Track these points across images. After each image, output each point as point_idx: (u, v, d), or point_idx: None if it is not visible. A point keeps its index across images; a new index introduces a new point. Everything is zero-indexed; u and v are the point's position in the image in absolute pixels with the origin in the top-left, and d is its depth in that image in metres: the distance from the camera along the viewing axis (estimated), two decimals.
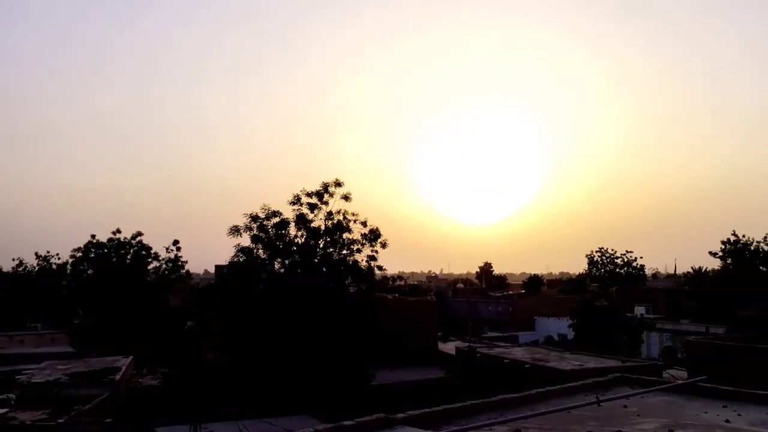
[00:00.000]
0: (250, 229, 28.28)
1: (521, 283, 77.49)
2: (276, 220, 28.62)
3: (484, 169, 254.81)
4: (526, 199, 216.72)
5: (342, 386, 24.98)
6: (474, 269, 64.41)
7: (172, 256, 41.34)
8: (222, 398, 23.14)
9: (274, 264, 29.20)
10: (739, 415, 11.60)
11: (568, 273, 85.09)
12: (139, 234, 40.92)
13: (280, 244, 28.82)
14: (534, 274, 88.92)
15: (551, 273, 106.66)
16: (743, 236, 38.60)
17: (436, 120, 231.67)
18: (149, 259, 41.01)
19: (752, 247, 37.90)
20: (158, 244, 41.69)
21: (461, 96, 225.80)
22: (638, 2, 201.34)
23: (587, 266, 54.34)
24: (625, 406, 12.42)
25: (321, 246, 29.29)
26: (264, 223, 28.50)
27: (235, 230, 28.21)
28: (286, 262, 29.17)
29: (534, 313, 52.27)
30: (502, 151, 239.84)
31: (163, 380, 26.12)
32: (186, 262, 41.81)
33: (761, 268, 36.69)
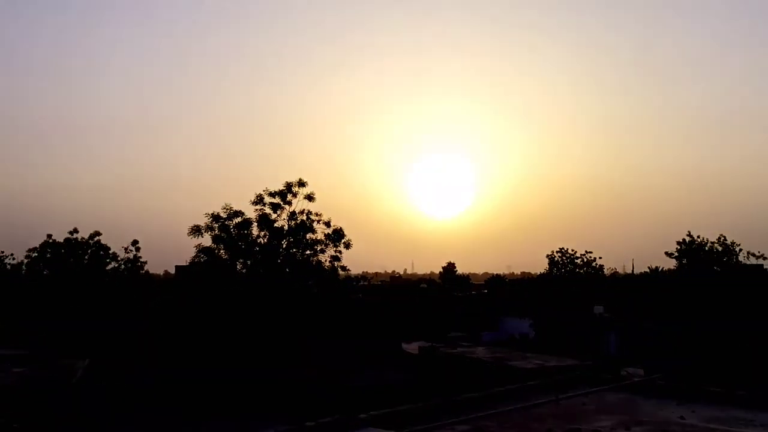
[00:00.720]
0: (212, 229, 27.95)
1: (484, 282, 78.18)
2: (238, 220, 28.36)
3: (448, 164, 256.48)
4: (488, 198, 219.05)
5: (304, 387, 24.85)
6: (437, 269, 64.66)
7: (131, 256, 40.57)
8: (179, 400, 22.79)
9: (236, 264, 28.93)
10: (693, 411, 11.92)
11: (529, 273, 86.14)
12: (97, 234, 40.04)
13: (242, 245, 28.57)
14: (496, 274, 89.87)
15: (513, 273, 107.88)
16: (698, 237, 39.62)
17: (399, 116, 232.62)
18: (108, 260, 40.18)
19: (706, 248, 38.93)
20: (117, 244, 40.85)
21: (425, 90, 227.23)
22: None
23: (548, 266, 54.85)
24: (584, 404, 12.64)
25: (284, 246, 29.14)
26: (226, 223, 28.21)
27: (196, 230, 27.84)
28: (249, 262, 28.92)
29: (497, 312, 52.90)
30: (467, 148, 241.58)
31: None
32: (146, 262, 41.10)
33: (715, 267, 37.70)
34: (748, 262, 37.53)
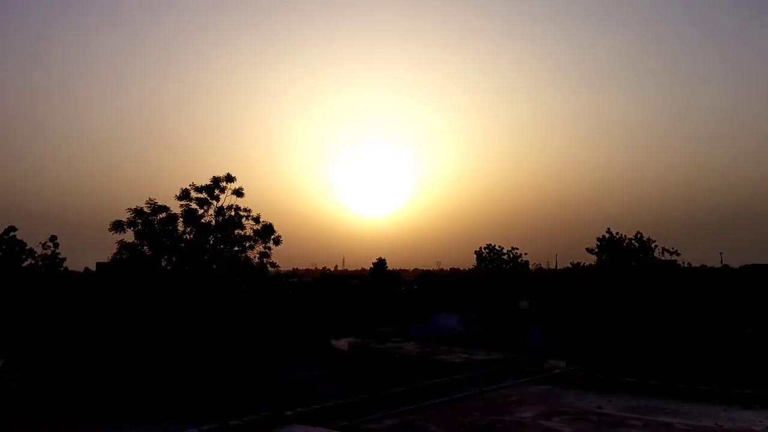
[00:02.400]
0: (135, 224, 26.95)
1: (414, 278, 78.90)
2: (163, 215, 27.48)
3: (380, 161, 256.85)
4: (420, 196, 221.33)
5: (232, 385, 24.44)
6: (369, 265, 64.74)
7: (49, 252, 38.79)
8: (93, 404, 21.98)
9: (160, 261, 28.07)
10: (609, 401, 12.40)
11: (458, 268, 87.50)
12: (13, 229, 38.08)
13: (167, 241, 27.72)
14: (426, 270, 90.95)
15: (443, 269, 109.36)
16: (617, 234, 41.28)
17: (333, 112, 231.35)
18: (24, 256, 38.30)
19: (624, 244, 40.59)
20: (34, 240, 38.97)
21: (358, 88, 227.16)
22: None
23: (476, 262, 55.83)
24: (507, 396, 12.96)
25: (211, 242, 28.47)
26: (150, 218, 27.30)
27: (118, 226, 26.77)
28: (174, 259, 28.11)
29: (427, 308, 53.52)
30: (399, 145, 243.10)
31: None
32: (64, 259, 39.40)
33: (632, 263, 39.37)
34: (663, 258, 39.37)
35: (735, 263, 58.07)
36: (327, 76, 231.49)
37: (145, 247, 27.39)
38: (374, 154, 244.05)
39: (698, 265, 50.44)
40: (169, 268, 28.20)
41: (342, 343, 36.60)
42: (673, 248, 39.55)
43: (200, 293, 26.32)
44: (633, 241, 40.48)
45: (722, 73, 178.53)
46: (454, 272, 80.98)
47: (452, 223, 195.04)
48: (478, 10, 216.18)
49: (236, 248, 28.54)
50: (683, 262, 40.59)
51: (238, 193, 28.56)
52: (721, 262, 57.24)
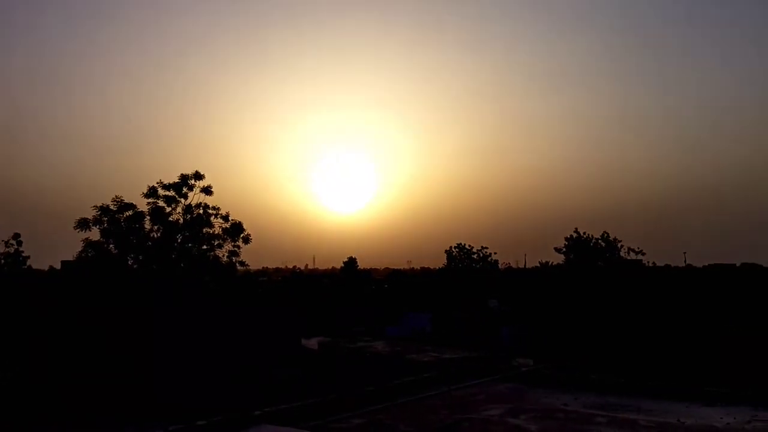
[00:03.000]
0: (101, 222, 26.50)
1: (385, 277, 79.02)
2: (129, 213, 27.05)
3: (351, 158, 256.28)
4: (390, 194, 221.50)
5: (200, 386, 24.18)
6: (339, 264, 64.63)
7: (11, 250, 37.92)
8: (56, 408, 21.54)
9: (126, 260, 27.64)
10: (576, 399, 12.58)
11: (429, 267, 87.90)
12: None
13: (133, 239, 27.31)
14: (397, 269, 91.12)
15: (413, 267, 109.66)
16: (584, 233, 41.85)
17: (299, 108, 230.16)
18: None
19: (591, 244, 41.17)
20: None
21: (328, 84, 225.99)
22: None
23: (446, 261, 56.10)
24: (475, 394, 13.05)
25: (179, 241, 28.12)
26: (116, 216, 26.85)
27: (84, 223, 26.27)
28: (140, 257, 27.71)
29: (397, 307, 53.59)
30: (370, 142, 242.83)
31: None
32: (28, 257, 38.55)
33: (599, 262, 39.96)
34: (629, 258, 40.05)
35: (698, 263, 59.35)
36: (294, 73, 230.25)
37: (111, 246, 26.95)
38: (347, 150, 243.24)
39: (663, 264, 51.45)
40: (135, 266, 27.79)
41: (312, 343, 36.50)
42: (638, 248, 40.27)
43: (168, 292, 25.97)
44: (600, 241, 41.08)
45: (686, 76, 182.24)
46: (425, 271, 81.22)
47: (422, 222, 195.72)
48: (439, 12, 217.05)
49: (205, 247, 28.24)
50: (648, 262, 41.34)
51: (207, 191, 28.26)
52: (685, 261, 58.50)
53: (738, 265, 58.20)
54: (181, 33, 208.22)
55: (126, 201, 27.12)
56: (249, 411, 10.51)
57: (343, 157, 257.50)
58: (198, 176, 28.15)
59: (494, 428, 10.21)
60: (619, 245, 40.58)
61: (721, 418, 10.80)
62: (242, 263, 28.90)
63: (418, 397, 12.51)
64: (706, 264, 57.51)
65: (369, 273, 71.21)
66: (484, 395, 12.94)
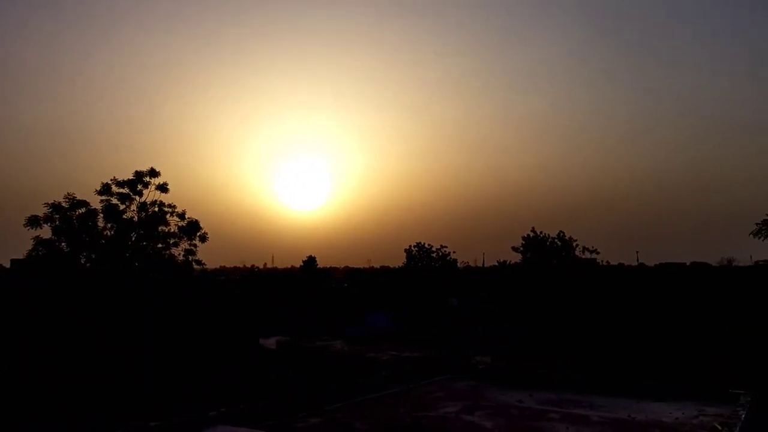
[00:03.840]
0: (52, 220, 25.80)
1: (345, 276, 78.92)
2: (82, 210, 26.41)
3: (310, 157, 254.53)
4: (350, 193, 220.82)
5: (155, 387, 23.75)
6: (298, 263, 64.25)
7: None
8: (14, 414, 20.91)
9: (79, 258, 26.98)
10: (530, 395, 12.78)
11: (388, 266, 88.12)
12: None
13: (86, 237, 26.67)
14: (357, 268, 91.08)
15: (373, 266, 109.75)
16: (541, 232, 42.55)
17: (258, 105, 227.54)
18: None
19: (548, 243, 41.89)
20: None
21: (289, 81, 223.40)
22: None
23: (406, 260, 56.32)
24: (433, 392, 13.15)
25: (133, 239, 27.58)
26: (68, 213, 26.18)
27: (34, 221, 25.55)
28: (93, 256, 27.07)
29: (357, 306, 53.54)
30: (330, 140, 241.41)
31: None
32: None
33: (554, 261, 40.69)
34: (584, 257, 40.88)
35: (650, 261, 60.92)
36: (253, 68, 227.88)
37: (62, 244, 26.29)
38: (306, 149, 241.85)
39: (616, 263, 52.70)
40: (88, 265, 27.15)
41: (270, 342, 36.24)
42: (593, 247, 41.15)
43: (121, 292, 25.44)
44: (556, 240, 41.82)
45: (641, 78, 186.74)
46: (385, 270, 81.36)
47: (383, 221, 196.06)
48: (395, 11, 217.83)
49: (160, 245, 27.76)
50: (602, 261, 42.30)
51: (163, 188, 27.78)
52: (638, 260, 60.00)
53: (688, 264, 59.97)
54: (138, 28, 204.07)
55: (78, 198, 26.49)
56: (205, 411, 10.37)
57: (303, 155, 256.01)
58: (153, 173, 27.65)
59: (450, 425, 10.30)
60: (574, 244, 41.42)
61: (670, 413, 11.11)
62: (199, 262, 28.54)
63: (377, 396, 12.54)
64: (658, 263, 59.07)
65: (328, 272, 71.01)
66: (442, 393, 13.05)
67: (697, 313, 27.61)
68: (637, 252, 63.17)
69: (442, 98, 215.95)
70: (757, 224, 31.66)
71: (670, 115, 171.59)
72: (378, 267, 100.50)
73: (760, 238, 31.65)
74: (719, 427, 9.76)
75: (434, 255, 53.97)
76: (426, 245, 53.91)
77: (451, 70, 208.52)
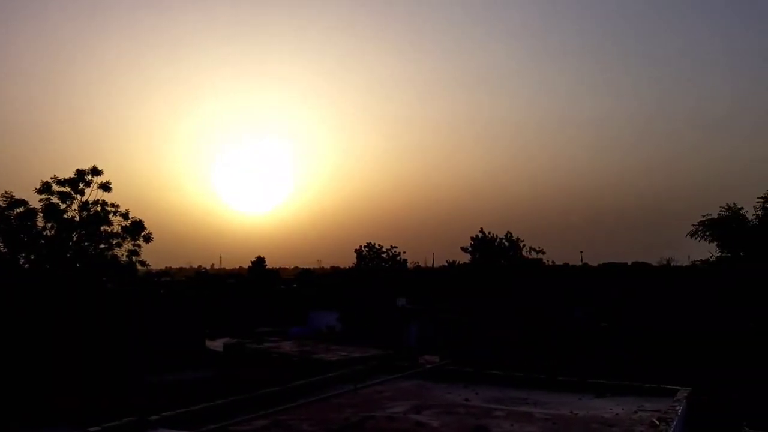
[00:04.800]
0: None
1: (294, 277, 78.35)
2: (20, 209, 25.53)
3: (260, 157, 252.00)
4: (301, 193, 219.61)
5: (97, 391, 23.08)
6: (247, 264, 63.55)
7: None
8: None
9: (17, 259, 26.05)
10: (477, 394, 12.92)
11: (338, 267, 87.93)
12: None
13: (24, 237, 25.79)
14: (306, 269, 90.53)
15: (323, 267, 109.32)
16: (489, 233, 43.20)
17: (210, 102, 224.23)
18: None
19: (496, 243, 42.57)
20: None
21: (240, 79, 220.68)
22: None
23: (356, 260, 56.32)
24: (381, 392, 13.15)
25: (74, 239, 26.78)
26: (6, 212, 25.27)
27: None
28: (32, 257, 26.18)
29: (306, 306, 53.28)
30: (281, 141, 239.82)
31: None
32: None
33: (502, 261, 41.38)
34: (530, 257, 41.70)
35: (593, 261, 62.48)
36: (203, 69, 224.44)
37: (0, 244, 25.37)
38: (254, 150, 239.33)
39: (561, 263, 53.85)
40: (27, 266, 26.26)
41: (217, 344, 35.67)
42: (539, 247, 42.04)
43: (62, 293, 24.66)
44: (504, 241, 42.54)
45: (587, 81, 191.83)
46: (335, 270, 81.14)
47: (333, 222, 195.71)
48: (359, 8, 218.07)
49: (102, 245, 27.08)
50: (548, 261, 43.24)
51: (105, 187, 27.10)
52: (582, 260, 61.45)
53: (630, 263, 61.72)
54: (72, 22, 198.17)
55: (17, 197, 25.66)
56: (146, 415, 10.10)
57: (255, 157, 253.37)
58: (96, 172, 26.94)
59: (397, 425, 10.32)
60: (521, 245, 42.23)
61: (611, 409, 11.40)
62: (143, 263, 28.01)
63: (324, 397, 12.46)
64: (601, 262, 60.62)
65: (277, 273, 70.38)
66: (390, 393, 13.07)
67: (637, 310, 28.45)
68: (581, 252, 64.66)
69: (393, 98, 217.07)
70: (694, 225, 32.89)
71: (613, 119, 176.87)
72: (328, 268, 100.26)
73: (696, 238, 32.87)
74: (657, 422, 10.06)
75: (384, 255, 54.16)
76: (376, 246, 54.09)
77: (405, 70, 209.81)
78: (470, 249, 43.41)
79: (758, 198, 31.58)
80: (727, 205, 32.50)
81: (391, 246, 53.99)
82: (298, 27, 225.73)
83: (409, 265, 57.05)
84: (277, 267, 79.72)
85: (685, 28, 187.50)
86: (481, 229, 43.47)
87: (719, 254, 32.62)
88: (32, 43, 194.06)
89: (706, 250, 33.57)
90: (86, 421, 11.92)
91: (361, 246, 54.42)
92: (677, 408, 10.89)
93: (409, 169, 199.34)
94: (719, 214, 32.66)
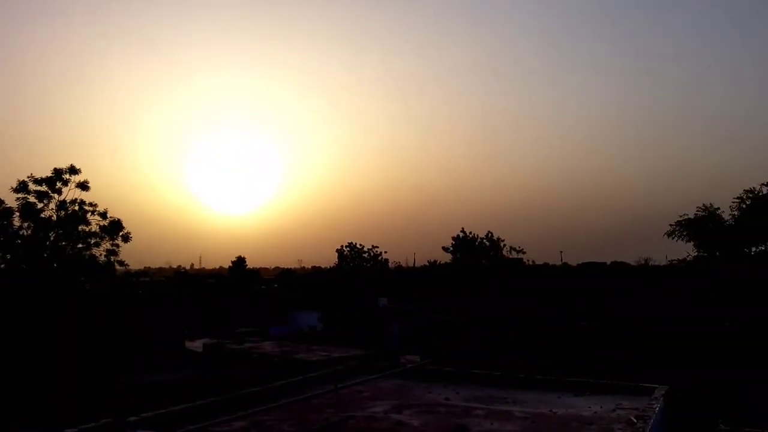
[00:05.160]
0: None
1: (275, 277, 78.00)
2: None
3: (241, 157, 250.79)
4: (282, 193, 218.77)
5: (75, 392, 22.81)
6: (227, 264, 63.17)
7: None
8: None
9: None
10: (457, 393, 12.98)
11: (320, 266, 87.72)
12: None
13: (1, 237, 25.43)
14: (287, 268, 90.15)
15: (304, 267, 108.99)
16: (470, 233, 43.38)
17: (191, 102, 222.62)
18: None
19: (477, 243, 42.76)
20: None
21: (218, 79, 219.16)
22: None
23: (338, 260, 56.24)
24: (361, 392, 13.15)
25: (52, 239, 26.45)
26: None
27: None
28: (8, 256, 25.82)
29: (287, 306, 53.04)
30: (264, 141, 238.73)
31: None
32: None
33: (483, 261, 41.58)
34: (511, 256, 41.95)
35: (573, 261, 62.98)
36: (183, 66, 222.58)
37: None
38: (236, 149, 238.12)
39: (541, 263, 54.20)
40: (3, 266, 25.89)
41: (197, 345, 35.41)
42: (519, 247, 42.30)
43: (39, 293, 24.34)
44: (484, 240, 42.75)
45: (562, 81, 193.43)
46: (316, 271, 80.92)
47: (314, 222, 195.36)
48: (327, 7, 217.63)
49: (80, 245, 26.77)
50: (528, 260, 43.53)
51: (83, 186, 26.80)
52: (561, 260, 61.92)
53: (608, 263, 62.27)
54: (43, 17, 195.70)
55: None
56: (124, 416, 10.02)
57: (235, 155, 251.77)
58: (73, 170, 26.63)
59: (378, 425, 10.33)
60: (502, 244, 42.46)
61: (589, 407, 11.50)
62: (121, 263, 27.73)
63: (304, 397, 12.43)
64: (581, 262, 61.09)
65: (258, 273, 70.02)
66: (370, 392, 13.08)
67: (616, 310, 28.73)
68: (561, 252, 65.17)
69: (372, 96, 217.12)
70: (671, 225, 33.33)
71: (590, 119, 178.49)
72: (309, 268, 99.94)
73: (673, 238, 33.30)
74: (635, 420, 10.17)
75: (366, 255, 54.13)
76: (358, 245, 54.05)
77: (384, 67, 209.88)
78: (451, 249, 43.56)
79: (734, 198, 32.11)
80: (704, 205, 33.01)
81: (373, 246, 53.98)
82: (272, 26, 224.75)
83: (391, 264, 57.04)
84: (258, 267, 79.33)
85: (662, 26, 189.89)
86: (462, 229, 43.67)
87: (696, 254, 33.10)
88: (2, 40, 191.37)
89: (683, 250, 34.06)
90: (63, 423, 11.79)
91: (342, 246, 54.35)
92: (655, 406, 11.02)
93: (390, 169, 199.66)
94: (696, 214, 33.16)
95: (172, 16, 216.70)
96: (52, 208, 26.25)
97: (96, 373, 24.69)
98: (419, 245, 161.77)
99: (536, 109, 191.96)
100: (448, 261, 45.72)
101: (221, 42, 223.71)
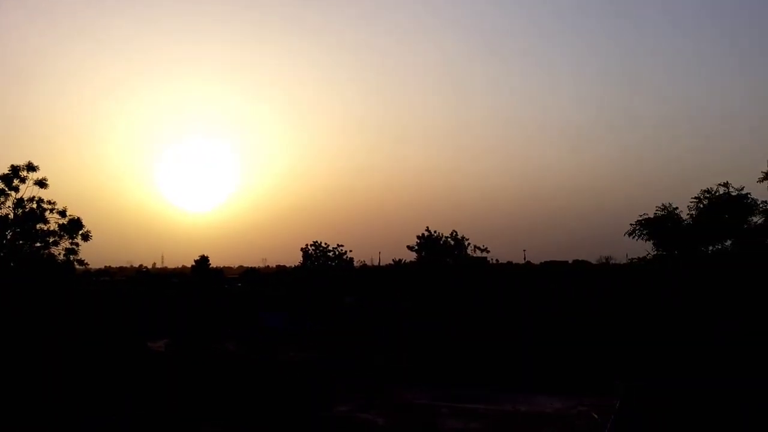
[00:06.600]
0: None
1: (239, 276, 77.23)
2: None
3: (204, 154, 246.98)
4: (246, 191, 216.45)
5: (29, 396, 22.23)
6: (190, 262, 62.17)
7: None
8: None
9: None
10: (424, 391, 13.06)
11: (284, 265, 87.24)
12: None
13: None
14: (251, 267, 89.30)
15: (268, 266, 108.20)
16: (435, 232, 43.52)
17: (154, 98, 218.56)
18: None
19: (441, 242, 42.91)
20: None
21: (185, 74, 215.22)
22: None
23: (302, 259, 55.79)
24: (329, 391, 13.14)
25: (8, 237, 25.70)
26: None
27: None
28: None
29: (251, 306, 52.42)
30: (227, 138, 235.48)
31: None
32: None
33: (448, 259, 41.75)
34: (475, 255, 42.21)
35: (536, 260, 63.86)
36: (143, 63, 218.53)
37: None
38: (198, 147, 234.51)
39: (505, 261, 54.80)
40: None
41: (159, 345, 34.89)
42: (483, 246, 42.58)
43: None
44: (449, 239, 42.90)
45: (526, 83, 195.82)
46: (281, 269, 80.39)
47: (278, 220, 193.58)
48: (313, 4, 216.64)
49: (38, 244, 26.02)
50: (492, 259, 43.88)
51: (42, 183, 26.04)
52: (525, 258, 62.74)
53: (570, 262, 63.35)
54: (13, 16, 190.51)
55: None
56: (80, 420, 9.85)
57: (197, 152, 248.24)
58: (31, 167, 25.86)
59: (345, 424, 10.35)
60: (466, 243, 42.66)
61: (552, 403, 11.70)
62: (81, 262, 26.96)
63: (273, 397, 12.38)
64: (543, 261, 61.98)
65: (221, 272, 69.21)
66: (338, 392, 13.08)
67: (578, 307, 29.19)
68: (524, 251, 66.04)
69: (339, 95, 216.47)
70: (631, 224, 33.91)
71: (552, 121, 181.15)
72: (274, 266, 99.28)
73: (633, 237, 33.91)
74: (596, 416, 10.38)
75: (331, 254, 53.79)
76: (323, 244, 53.65)
77: (352, 68, 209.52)
78: (416, 247, 43.62)
79: (692, 198, 32.80)
80: (663, 204, 33.63)
81: (338, 244, 53.67)
82: (242, 24, 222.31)
83: (356, 263, 56.80)
84: (221, 266, 78.48)
85: (629, 27, 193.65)
86: (427, 227, 43.71)
87: (655, 252, 33.74)
88: None
89: (643, 249, 34.66)
90: (17, 428, 11.51)
91: (307, 245, 53.86)
92: (615, 402, 11.27)
93: (358, 168, 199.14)
94: (655, 213, 33.78)
95: (135, 15, 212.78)
96: (9, 206, 25.48)
97: (50, 375, 24.12)
98: (384, 244, 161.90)
99: (500, 111, 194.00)
100: (413, 260, 45.84)
101: (186, 44, 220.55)
